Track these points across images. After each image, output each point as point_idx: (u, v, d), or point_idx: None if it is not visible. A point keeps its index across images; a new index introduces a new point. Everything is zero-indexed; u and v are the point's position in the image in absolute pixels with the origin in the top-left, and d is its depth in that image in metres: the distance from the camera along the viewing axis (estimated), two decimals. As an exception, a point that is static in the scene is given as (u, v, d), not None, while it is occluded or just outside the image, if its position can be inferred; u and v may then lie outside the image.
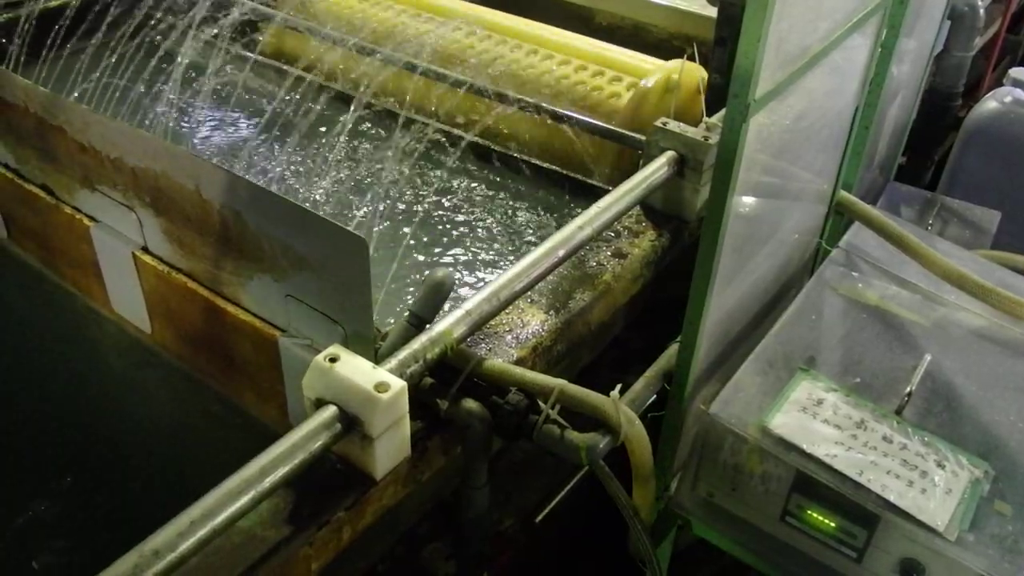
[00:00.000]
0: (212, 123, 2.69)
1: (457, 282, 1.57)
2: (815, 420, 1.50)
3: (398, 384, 1.25)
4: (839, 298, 1.82)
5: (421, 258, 2.11)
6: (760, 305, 1.79)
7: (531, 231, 2.24)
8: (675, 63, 2.33)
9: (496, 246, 2.19)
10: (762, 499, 1.50)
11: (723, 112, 1.25)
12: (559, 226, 1.68)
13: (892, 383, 1.61)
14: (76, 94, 2.41)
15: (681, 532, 1.66)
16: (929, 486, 1.41)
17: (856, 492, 1.40)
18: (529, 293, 1.64)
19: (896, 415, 1.53)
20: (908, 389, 1.56)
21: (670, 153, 1.88)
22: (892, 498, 1.38)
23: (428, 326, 1.43)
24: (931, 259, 1.80)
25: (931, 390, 1.61)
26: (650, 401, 1.55)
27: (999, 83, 3.38)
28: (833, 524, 1.44)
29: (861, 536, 1.41)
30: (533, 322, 1.64)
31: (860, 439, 1.47)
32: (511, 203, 2.35)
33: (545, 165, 2.44)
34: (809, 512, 1.46)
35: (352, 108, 2.39)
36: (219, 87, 2.74)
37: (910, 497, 1.39)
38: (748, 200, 1.46)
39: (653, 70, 2.35)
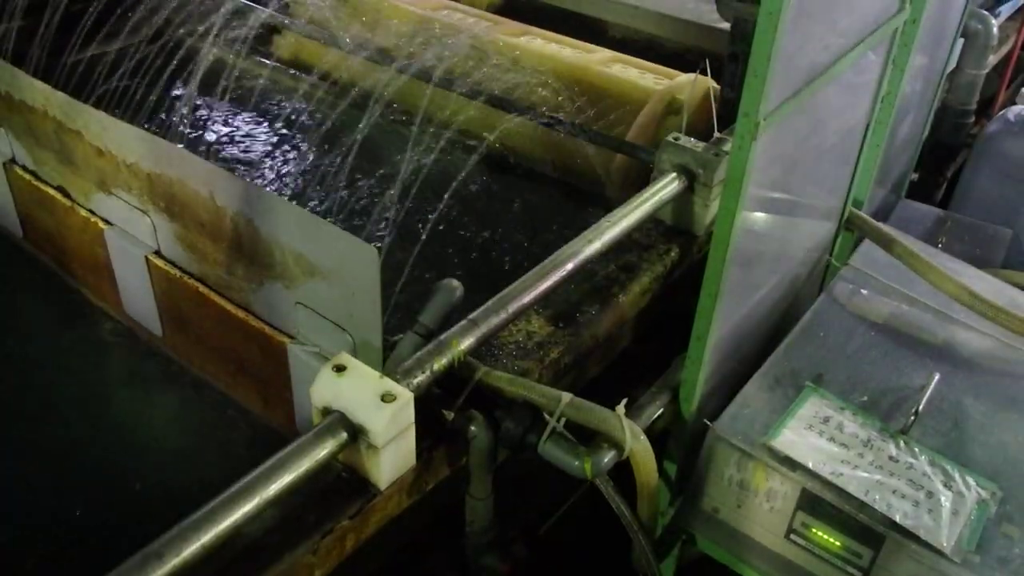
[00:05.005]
0: (228, 129, 2.72)
1: (464, 293, 1.58)
2: (821, 438, 1.50)
3: (405, 394, 1.26)
4: (848, 315, 1.82)
5: (431, 267, 2.11)
6: (768, 321, 1.79)
7: (541, 241, 2.25)
8: (685, 78, 2.33)
9: (505, 257, 2.20)
10: (767, 516, 1.50)
11: (734, 127, 1.25)
12: (567, 238, 1.68)
13: (900, 402, 1.61)
14: (95, 98, 2.44)
15: (685, 547, 1.65)
16: (936, 507, 1.40)
17: (862, 511, 1.40)
18: (537, 305, 1.65)
19: (903, 434, 1.52)
20: (915, 408, 1.55)
21: (680, 168, 1.88)
22: (898, 518, 1.38)
23: (436, 336, 1.43)
24: (941, 278, 1.79)
25: (939, 409, 1.60)
26: (656, 415, 1.55)
27: (1013, 101, 3.37)
28: (838, 543, 1.43)
29: (866, 556, 1.41)
30: (540, 334, 1.64)
31: (867, 458, 1.47)
32: (522, 213, 2.36)
33: (556, 176, 2.45)
34: (814, 530, 1.45)
35: (366, 116, 2.41)
36: (237, 93, 2.77)
37: (916, 517, 1.38)
38: (757, 216, 1.46)
39: (651, 93, 2.34)
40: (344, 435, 1.24)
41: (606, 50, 2.62)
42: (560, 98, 2.44)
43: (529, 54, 2.56)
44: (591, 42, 2.67)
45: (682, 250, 1.92)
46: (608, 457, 1.34)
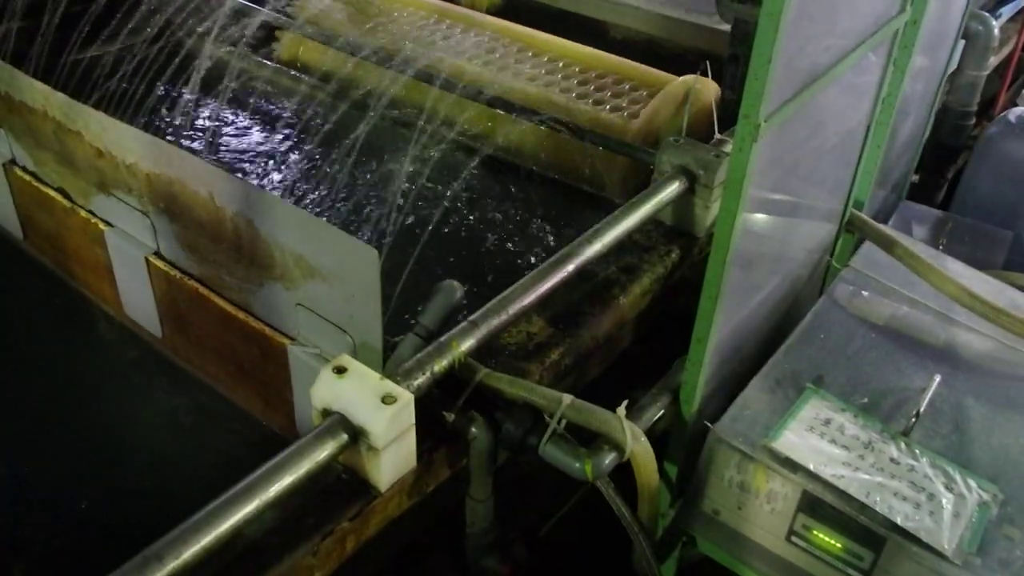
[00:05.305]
0: (229, 129, 2.72)
1: (465, 294, 1.58)
2: (822, 440, 1.50)
3: (405, 396, 1.26)
4: (849, 317, 1.81)
5: (431, 269, 2.11)
6: (769, 323, 1.79)
7: (541, 244, 2.25)
8: (688, 78, 2.33)
9: (505, 258, 2.20)
10: (768, 518, 1.50)
11: (734, 129, 1.25)
12: (569, 239, 1.68)
13: (901, 403, 1.61)
14: (95, 99, 2.44)
15: (686, 549, 1.65)
16: (937, 509, 1.40)
17: (863, 513, 1.39)
18: (537, 306, 1.64)
19: (904, 436, 1.52)
20: (916, 410, 1.55)
21: (681, 169, 1.88)
22: (899, 520, 1.37)
23: (436, 338, 1.43)
24: (942, 279, 1.79)
25: (940, 411, 1.60)
26: (657, 417, 1.55)
27: (1013, 102, 3.37)
28: (839, 545, 1.43)
29: (868, 558, 1.41)
30: (541, 335, 1.64)
31: (867, 460, 1.47)
32: (522, 216, 2.36)
33: (557, 177, 2.45)
34: (815, 532, 1.45)
35: (366, 118, 2.41)
36: (237, 94, 2.77)
37: (917, 519, 1.38)
38: (758, 218, 1.46)
39: (668, 80, 2.38)
40: (344, 437, 1.24)
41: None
42: (577, 80, 2.47)
43: (547, 45, 2.60)
44: (592, 43, 2.67)
45: (683, 251, 1.92)
46: (609, 459, 1.34)
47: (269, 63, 2.91)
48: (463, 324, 1.44)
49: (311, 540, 1.23)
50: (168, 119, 2.67)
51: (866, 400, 1.60)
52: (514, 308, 1.50)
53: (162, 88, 2.62)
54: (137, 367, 1.94)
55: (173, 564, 1.04)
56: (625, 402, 1.38)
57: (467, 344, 1.42)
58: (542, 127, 2.33)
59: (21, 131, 1.94)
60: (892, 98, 1.85)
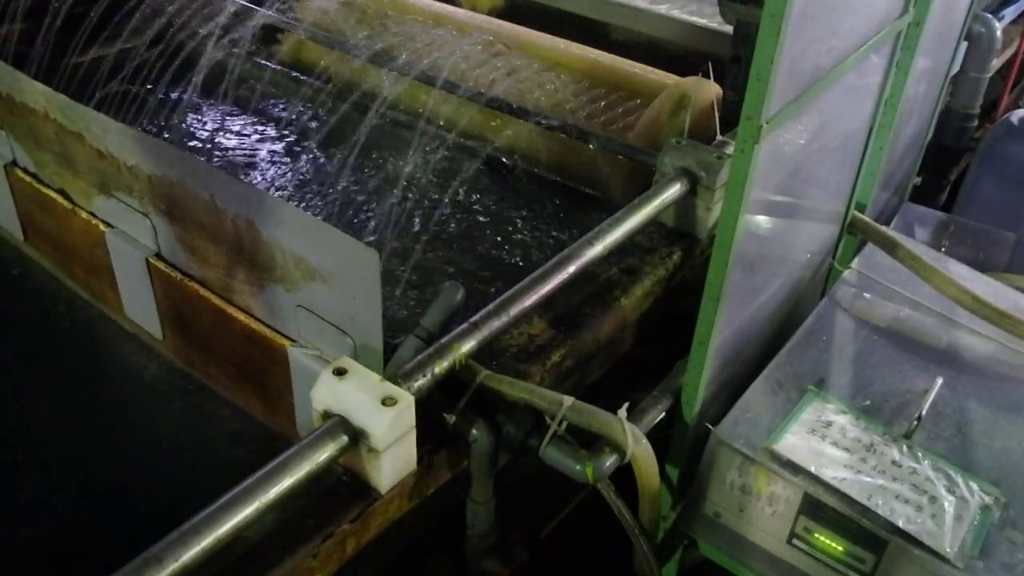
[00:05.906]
0: (230, 131, 2.72)
1: (467, 296, 1.58)
2: (824, 442, 1.50)
3: (406, 398, 1.25)
4: (851, 319, 1.81)
5: (432, 271, 2.11)
6: (771, 325, 1.79)
7: (542, 245, 2.24)
8: (689, 80, 2.33)
9: (507, 260, 2.19)
10: (769, 521, 1.49)
11: (736, 130, 1.25)
12: (570, 241, 1.68)
13: (903, 406, 1.60)
14: (96, 101, 2.44)
15: (687, 551, 1.65)
16: (939, 512, 1.39)
17: (864, 516, 1.39)
18: (538, 308, 1.64)
19: (906, 439, 1.52)
20: (919, 413, 1.55)
21: (683, 171, 1.88)
22: (901, 523, 1.37)
23: (437, 340, 1.43)
24: (944, 281, 1.79)
25: (942, 414, 1.60)
26: (658, 419, 1.54)
27: (1016, 104, 3.37)
28: (841, 548, 1.43)
29: (869, 561, 1.40)
30: (542, 337, 1.63)
31: (869, 462, 1.46)
32: (523, 217, 2.35)
33: (557, 179, 2.45)
34: (817, 535, 1.45)
35: (367, 119, 2.41)
36: (238, 95, 2.77)
37: (919, 522, 1.37)
38: (759, 219, 1.46)
39: (668, 86, 2.37)
40: (345, 438, 1.24)
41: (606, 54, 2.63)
42: (571, 91, 2.47)
43: (543, 50, 2.61)
44: (593, 46, 2.67)
45: (684, 253, 1.92)
46: (610, 461, 1.34)
47: (271, 64, 2.91)
48: (464, 326, 1.44)
49: (311, 542, 1.23)
50: (170, 121, 2.67)
51: (868, 403, 1.60)
52: (515, 310, 1.49)
53: (163, 90, 2.62)
54: (137, 369, 1.94)
55: (173, 566, 1.03)
56: (626, 404, 1.38)
57: (468, 346, 1.41)
58: (547, 130, 2.32)
59: (22, 132, 1.94)
60: (895, 100, 1.85)
